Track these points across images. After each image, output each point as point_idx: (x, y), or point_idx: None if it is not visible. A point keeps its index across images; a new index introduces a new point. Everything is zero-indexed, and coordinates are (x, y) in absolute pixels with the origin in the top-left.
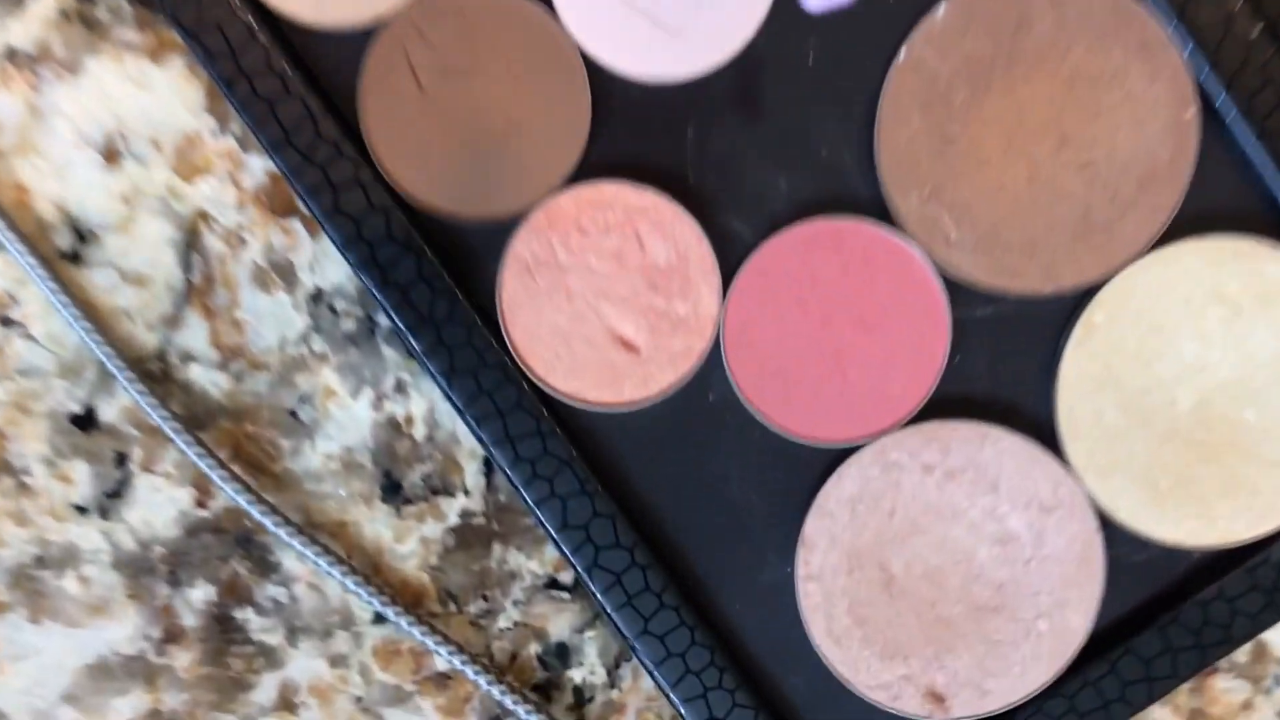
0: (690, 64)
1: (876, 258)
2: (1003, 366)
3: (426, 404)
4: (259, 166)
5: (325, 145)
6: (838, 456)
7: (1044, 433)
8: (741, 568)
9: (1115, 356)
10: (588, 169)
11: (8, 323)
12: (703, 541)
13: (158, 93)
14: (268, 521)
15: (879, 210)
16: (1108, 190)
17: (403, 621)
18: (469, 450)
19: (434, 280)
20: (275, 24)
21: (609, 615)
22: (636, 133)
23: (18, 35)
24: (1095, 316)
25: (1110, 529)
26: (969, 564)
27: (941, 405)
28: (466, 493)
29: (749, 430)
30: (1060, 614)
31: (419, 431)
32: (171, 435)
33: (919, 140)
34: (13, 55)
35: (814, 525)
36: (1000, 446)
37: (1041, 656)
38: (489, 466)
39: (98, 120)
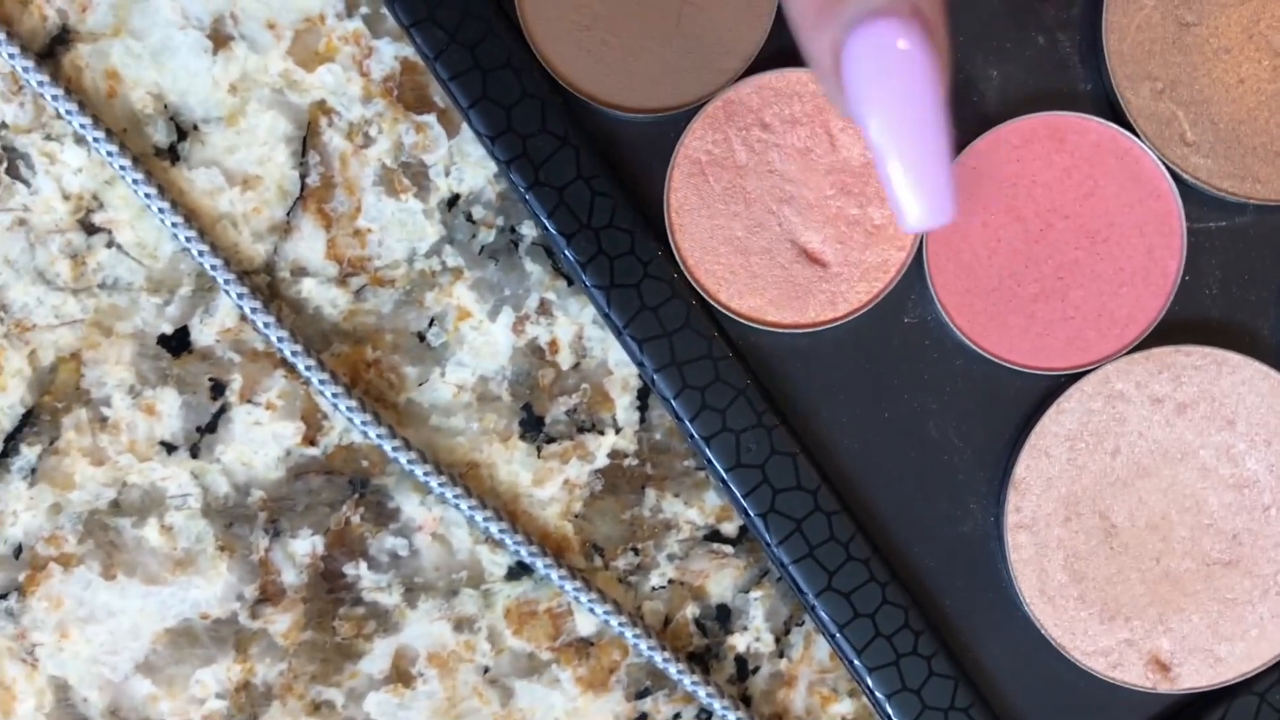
0: None
1: (1103, 159)
2: (1242, 285)
3: (574, 328)
4: (389, 53)
5: (474, 22)
6: (1054, 387)
7: None
8: (940, 516)
9: None
10: (773, 54)
11: (91, 229)
12: (895, 485)
13: None
14: (401, 457)
15: (1104, 106)
16: None
17: (553, 574)
18: (621, 381)
19: (594, 180)
20: None
21: (785, 570)
22: None
23: None
24: None
25: None
26: (1200, 512)
27: (1172, 329)
28: (617, 430)
29: (952, 357)
30: None
31: (565, 359)
32: (289, 356)
33: (1152, 26)
34: None
35: (1027, 466)
36: (1239, 376)
37: None
38: (643, 400)
39: None
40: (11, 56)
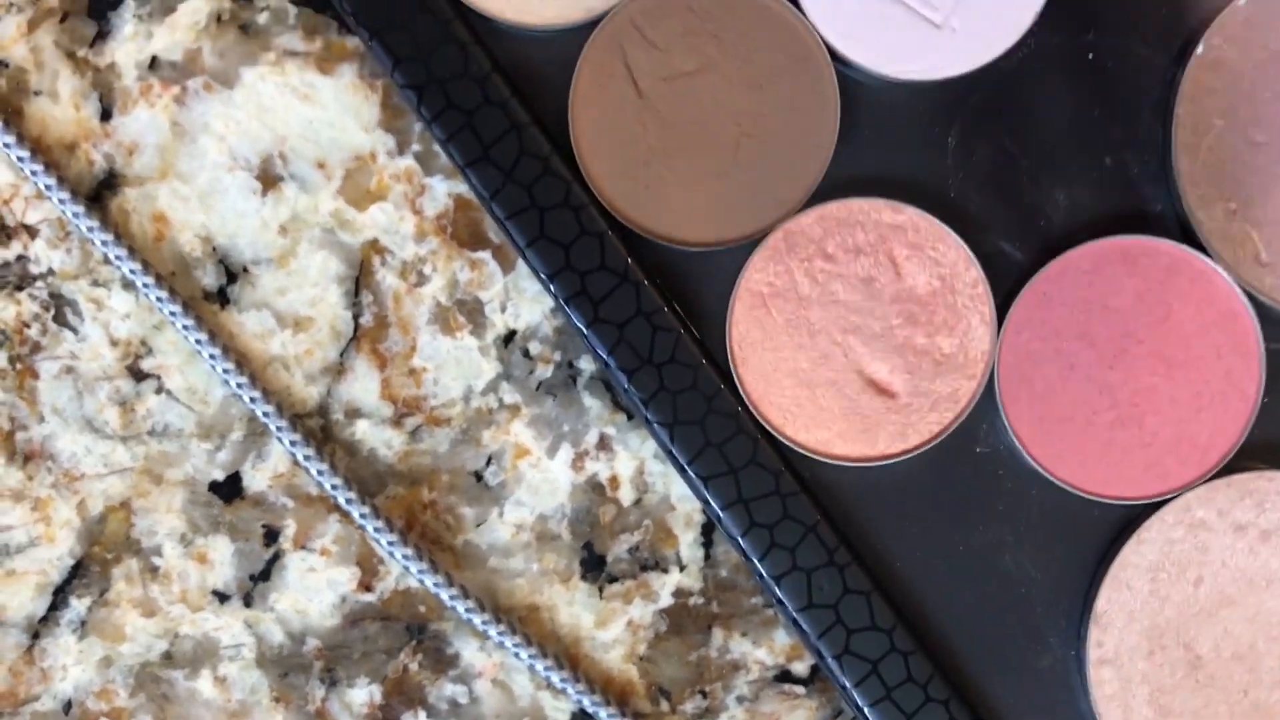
0: (954, 61)
1: (1177, 282)
2: None
3: (635, 463)
4: (442, 190)
5: (530, 160)
6: (1133, 516)
7: None
8: (1019, 651)
9: None
10: (834, 184)
11: (140, 375)
12: (971, 621)
13: (325, 107)
14: (459, 605)
15: (1176, 228)
16: None
17: None
18: (684, 517)
19: (655, 315)
20: (473, 22)
21: (862, 713)
22: (890, 141)
23: (163, 42)
24: None
25: None
26: None
27: (1253, 453)
28: (682, 567)
29: (1027, 486)
30: None
31: (626, 495)
32: (343, 504)
33: (1223, 146)
34: (156, 65)
35: (1108, 599)
36: None
37: None
38: (707, 536)
39: (253, 139)
40: (62, 203)
